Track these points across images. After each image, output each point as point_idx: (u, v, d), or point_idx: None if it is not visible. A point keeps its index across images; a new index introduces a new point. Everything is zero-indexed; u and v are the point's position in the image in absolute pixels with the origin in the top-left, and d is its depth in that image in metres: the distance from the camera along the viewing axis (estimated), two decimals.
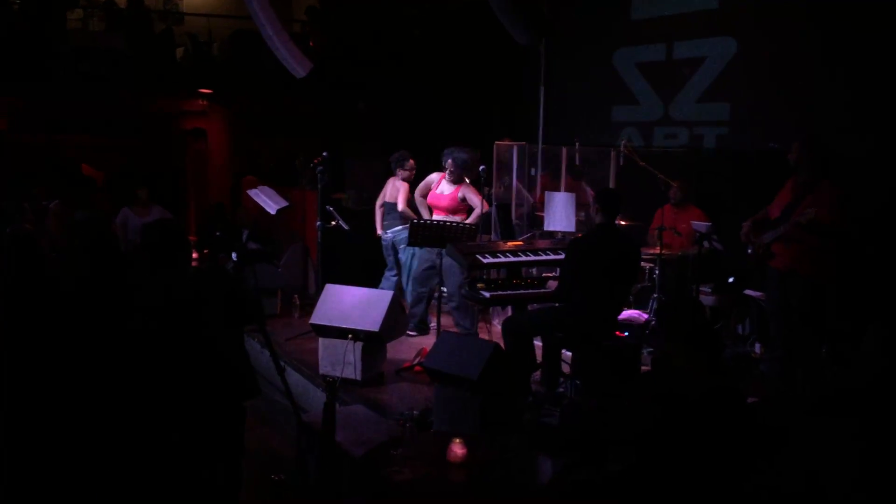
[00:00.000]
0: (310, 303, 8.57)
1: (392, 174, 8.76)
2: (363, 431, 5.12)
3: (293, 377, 7.03)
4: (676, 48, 8.84)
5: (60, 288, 4.14)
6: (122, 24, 13.08)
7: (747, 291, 7.36)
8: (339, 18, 13.43)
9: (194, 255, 11.56)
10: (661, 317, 7.14)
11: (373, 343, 6.71)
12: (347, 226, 8.60)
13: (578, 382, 6.05)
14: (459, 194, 7.92)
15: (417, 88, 11.74)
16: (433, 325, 7.94)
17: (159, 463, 3.81)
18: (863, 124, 7.01)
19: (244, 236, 10.23)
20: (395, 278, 8.81)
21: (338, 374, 6.57)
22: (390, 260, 8.87)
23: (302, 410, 5.72)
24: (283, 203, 9.19)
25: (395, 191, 8.59)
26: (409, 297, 8.38)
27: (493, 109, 11.18)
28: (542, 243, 7.29)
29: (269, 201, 9.16)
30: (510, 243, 7.01)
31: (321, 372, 6.83)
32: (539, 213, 8.32)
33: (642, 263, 7.90)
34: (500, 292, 6.45)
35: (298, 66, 10.50)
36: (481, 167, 7.66)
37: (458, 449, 4.47)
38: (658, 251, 7.60)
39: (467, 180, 7.97)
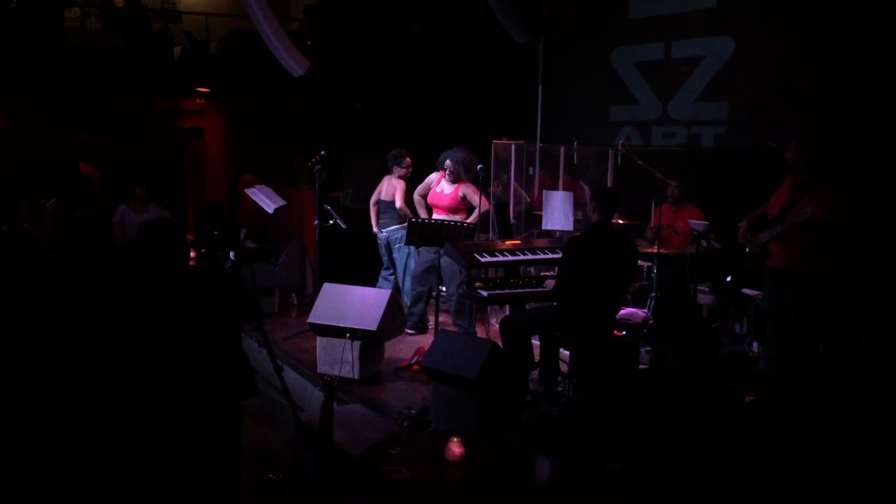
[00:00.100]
0: (307, 302, 8.58)
1: (388, 172, 8.74)
2: (361, 430, 5.12)
3: (291, 376, 7.03)
4: (675, 47, 8.84)
5: (60, 288, 4.13)
6: (119, 22, 13.07)
7: (745, 290, 7.36)
8: (338, 17, 13.41)
9: (192, 254, 11.55)
10: (657, 315, 7.16)
11: (371, 342, 6.71)
12: (345, 225, 8.60)
13: (576, 381, 6.05)
14: (460, 193, 7.93)
15: (416, 87, 11.73)
16: (431, 324, 7.94)
17: (159, 462, 3.81)
18: (862, 123, 7.01)
19: (242, 235, 10.21)
20: (392, 277, 8.81)
21: (336, 373, 6.57)
22: (386, 259, 8.86)
23: (300, 409, 5.73)
24: (281, 202, 9.18)
25: (391, 188, 8.56)
26: (406, 297, 8.37)
27: (491, 109, 11.18)
28: (540, 242, 7.30)
29: (266, 200, 9.16)
30: (508, 242, 7.01)
31: (319, 371, 6.84)
32: (537, 212, 8.32)
33: (640, 262, 7.91)
34: (497, 291, 6.45)
35: (296, 65, 10.52)
36: (479, 166, 7.66)
37: (455, 448, 4.47)
38: (656, 250, 7.60)
39: (466, 179, 7.98)
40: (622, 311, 7.03)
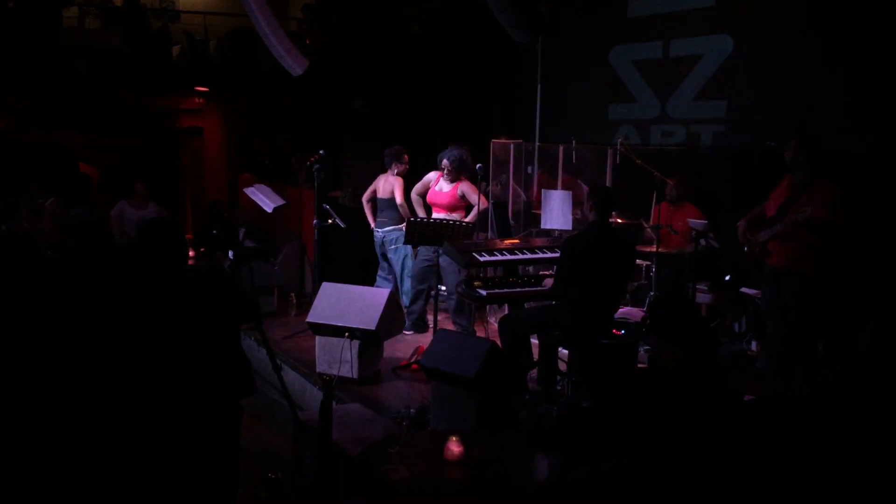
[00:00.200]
0: (306, 301, 8.58)
1: (384, 170, 8.71)
2: (360, 429, 5.12)
3: (290, 375, 7.03)
4: (673, 46, 8.83)
5: (60, 288, 4.13)
6: (118, 22, 13.06)
7: (744, 289, 7.36)
8: (337, 16, 13.40)
9: (191, 254, 11.55)
10: (653, 315, 7.17)
11: (369, 341, 6.71)
12: (344, 224, 8.59)
13: (575, 380, 6.05)
14: (458, 191, 7.93)
15: (415, 86, 11.72)
16: (430, 323, 7.93)
17: (158, 462, 3.81)
18: (861, 122, 7.01)
19: (241, 234, 10.22)
20: (391, 276, 8.79)
21: (334, 372, 6.57)
22: (381, 258, 8.82)
23: (299, 409, 5.73)
24: (280, 201, 9.18)
25: (388, 186, 8.52)
26: (405, 297, 8.36)
27: (490, 108, 11.17)
28: (538, 241, 7.29)
29: (265, 199, 9.16)
30: (507, 241, 7.01)
31: (318, 370, 6.84)
32: (535, 211, 8.33)
33: (639, 261, 7.92)
34: (496, 290, 6.45)
35: (295, 64, 10.51)
36: (478, 165, 7.66)
37: (454, 447, 4.47)
38: (655, 249, 7.60)
39: (464, 177, 7.98)
40: (621, 310, 7.03)
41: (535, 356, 6.36)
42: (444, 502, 4.25)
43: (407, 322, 8.12)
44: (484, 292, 6.35)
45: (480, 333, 7.78)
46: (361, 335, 6.63)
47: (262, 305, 8.88)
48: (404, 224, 8.17)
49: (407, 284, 8.41)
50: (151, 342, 3.85)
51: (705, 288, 7.69)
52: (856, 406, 3.53)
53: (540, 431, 5.33)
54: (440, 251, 7.14)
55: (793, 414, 4.15)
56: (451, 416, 5.31)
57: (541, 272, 7.29)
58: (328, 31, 13.13)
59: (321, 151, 8.42)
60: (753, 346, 7.25)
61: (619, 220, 7.82)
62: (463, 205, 7.97)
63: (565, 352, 6.42)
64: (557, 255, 6.42)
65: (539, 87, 10.09)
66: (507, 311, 6.91)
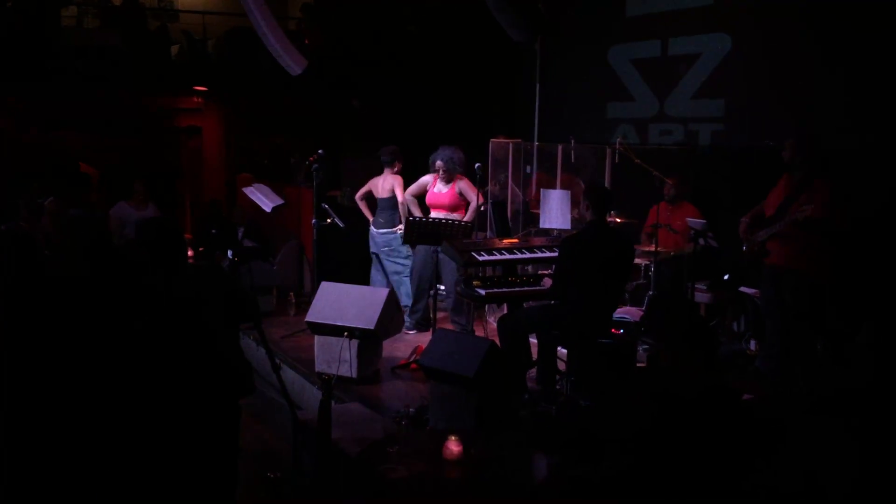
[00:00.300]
0: (305, 300, 8.57)
1: (380, 170, 8.68)
2: (359, 429, 5.13)
3: (289, 375, 7.02)
4: (672, 44, 8.84)
5: (59, 288, 4.13)
6: (116, 21, 13.05)
7: (743, 289, 7.36)
8: (335, 16, 13.40)
9: (190, 253, 11.54)
10: (650, 315, 7.17)
11: (368, 340, 6.71)
12: (343, 223, 8.59)
13: (574, 380, 6.05)
14: (456, 189, 7.93)
15: (414, 86, 11.72)
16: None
17: (157, 461, 3.81)
18: (860, 122, 7.01)
19: (240, 234, 10.21)
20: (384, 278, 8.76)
21: (333, 371, 6.57)
22: (374, 257, 8.79)
23: (298, 408, 5.72)
24: (279, 201, 9.18)
25: (388, 184, 8.50)
26: (405, 298, 8.33)
27: (489, 107, 11.17)
28: (537, 241, 7.29)
29: (264, 199, 9.15)
30: (506, 241, 7.01)
31: (317, 370, 6.84)
32: (534, 211, 8.32)
33: (638, 261, 7.92)
34: (495, 290, 6.45)
35: (294, 64, 10.50)
36: (477, 164, 7.66)
37: (454, 446, 4.47)
38: (653, 248, 7.60)
39: (460, 175, 7.98)
40: (620, 310, 7.03)
41: (535, 355, 6.36)
42: (444, 502, 4.25)
43: (410, 321, 8.12)
44: (483, 292, 6.35)
45: (479, 333, 7.78)
46: (360, 334, 6.62)
47: (260, 305, 8.88)
48: (400, 226, 8.19)
49: (406, 285, 8.40)
50: (151, 342, 3.84)
51: (704, 287, 7.69)
52: (856, 406, 3.53)
53: (539, 431, 5.33)
54: (439, 250, 7.13)
55: (793, 414, 4.15)
56: (451, 416, 5.31)
57: (540, 271, 7.28)
58: (327, 30, 13.13)
59: (320, 151, 8.41)
60: (752, 345, 7.25)
61: (618, 220, 7.82)
62: (463, 203, 7.98)
63: (564, 351, 6.42)
64: (556, 254, 6.42)
65: (538, 86, 10.09)
66: (506, 311, 6.91)
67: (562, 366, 6.37)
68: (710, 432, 3.38)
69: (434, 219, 7.33)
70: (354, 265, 9.09)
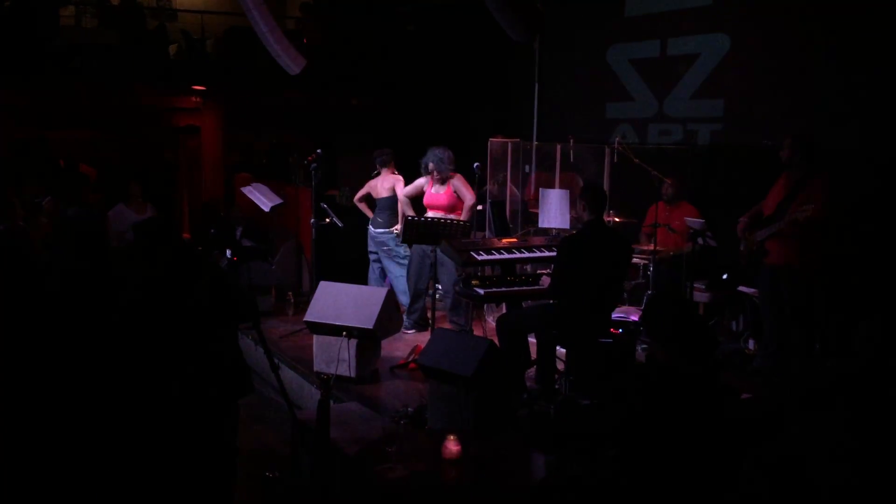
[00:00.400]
0: (304, 300, 8.57)
1: (378, 171, 8.67)
2: (358, 429, 5.12)
3: (287, 374, 7.02)
4: (670, 44, 8.85)
5: (55, 286, 4.12)
6: (114, 20, 13.04)
7: (741, 288, 7.37)
8: (334, 15, 13.41)
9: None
10: (647, 315, 7.16)
11: (367, 340, 6.71)
12: (341, 223, 8.58)
13: (573, 379, 6.05)
14: (453, 188, 7.93)
15: (412, 85, 11.73)
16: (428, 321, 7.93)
17: (154, 461, 3.80)
18: (858, 121, 7.02)
19: (238, 233, 10.21)
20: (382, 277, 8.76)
21: (332, 371, 6.57)
22: (372, 257, 8.79)
23: (296, 408, 5.72)
24: (277, 200, 9.17)
25: (388, 184, 8.48)
26: (403, 297, 8.33)
27: (487, 107, 11.19)
28: (536, 240, 7.29)
29: (262, 199, 9.15)
30: (505, 240, 7.01)
31: (315, 369, 6.83)
32: (533, 210, 8.32)
33: (636, 260, 7.92)
34: (494, 289, 6.45)
35: (292, 64, 10.48)
36: (475, 164, 7.65)
37: (452, 446, 4.47)
38: (652, 248, 7.60)
39: (452, 174, 7.98)
40: (619, 309, 7.03)
41: (533, 355, 6.36)
42: (442, 501, 4.26)
43: (408, 321, 8.12)
44: (482, 291, 6.35)
45: (478, 332, 7.77)
46: (359, 334, 6.62)
47: (259, 304, 8.88)
48: (397, 227, 8.19)
49: (403, 284, 8.40)
50: (149, 342, 3.84)
51: (703, 287, 7.69)
52: (850, 399, 3.53)
53: (538, 430, 5.33)
54: (437, 250, 7.13)
55: (788, 407, 4.15)
56: (449, 415, 5.31)
57: (538, 271, 7.29)
58: (325, 29, 13.13)
59: (318, 150, 8.41)
60: (751, 344, 7.26)
61: (617, 219, 7.82)
62: (461, 203, 7.97)
63: (563, 350, 6.42)
64: (555, 253, 6.42)
65: (536, 85, 10.10)
66: (504, 310, 6.91)
67: (560, 365, 6.37)
68: (707, 431, 3.38)
69: (433, 218, 7.33)
70: (353, 265, 9.08)
